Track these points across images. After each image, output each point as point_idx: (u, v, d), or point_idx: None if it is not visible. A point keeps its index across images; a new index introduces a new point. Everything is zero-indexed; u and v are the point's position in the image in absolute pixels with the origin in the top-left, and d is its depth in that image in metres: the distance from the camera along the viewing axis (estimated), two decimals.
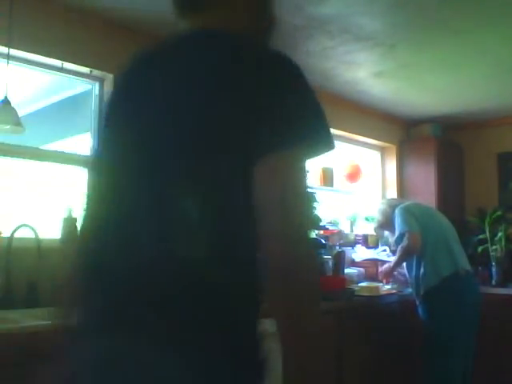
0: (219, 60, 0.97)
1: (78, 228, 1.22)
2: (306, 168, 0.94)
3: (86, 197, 1.13)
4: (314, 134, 0.93)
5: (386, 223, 3.53)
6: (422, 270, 3.19)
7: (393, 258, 3.67)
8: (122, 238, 0.97)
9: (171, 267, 0.90)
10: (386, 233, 3.73)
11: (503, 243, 4.35)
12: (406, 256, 3.30)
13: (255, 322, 0.96)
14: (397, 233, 3.32)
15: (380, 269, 3.79)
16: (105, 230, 1.02)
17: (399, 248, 3.32)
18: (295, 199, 0.88)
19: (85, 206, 1.13)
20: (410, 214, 3.28)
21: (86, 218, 1.11)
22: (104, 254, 0.99)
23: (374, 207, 3.87)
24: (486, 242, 4.41)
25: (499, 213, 4.44)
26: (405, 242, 3.24)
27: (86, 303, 1.02)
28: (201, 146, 0.93)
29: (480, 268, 4.28)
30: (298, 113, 0.92)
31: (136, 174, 0.99)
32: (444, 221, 3.37)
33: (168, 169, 0.96)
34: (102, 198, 1.07)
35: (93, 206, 1.11)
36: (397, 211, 3.34)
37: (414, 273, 3.25)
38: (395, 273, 3.65)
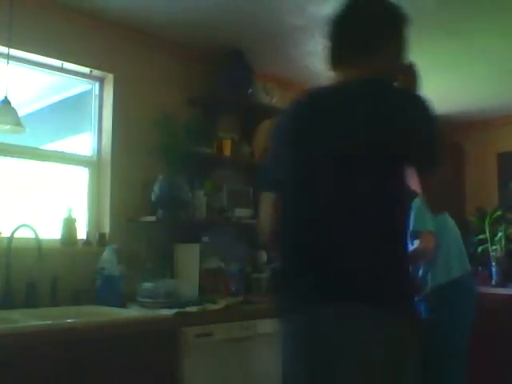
0: (386, 102, 1.43)
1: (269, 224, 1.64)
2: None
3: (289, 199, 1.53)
4: (444, 155, 1.45)
5: None
6: (431, 268, 3.15)
7: None
8: (330, 237, 1.40)
9: (372, 262, 1.35)
10: None
11: (503, 243, 4.35)
12: (416, 260, 3.14)
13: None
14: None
15: None
16: (314, 227, 1.43)
17: (409, 252, 3.22)
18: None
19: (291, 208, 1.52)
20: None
21: (294, 218, 1.51)
22: (316, 248, 1.41)
23: None
24: (486, 242, 4.41)
25: (499, 213, 4.44)
26: (418, 245, 3.05)
27: (300, 281, 1.42)
28: (390, 168, 1.41)
29: (480, 268, 4.28)
30: (441, 141, 1.48)
31: (330, 189, 1.42)
32: (451, 219, 3.32)
33: (357, 185, 1.39)
34: (305, 200, 1.47)
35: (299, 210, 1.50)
36: (413, 204, 3.00)
37: (421, 270, 3.19)
38: None
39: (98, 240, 2.85)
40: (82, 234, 2.85)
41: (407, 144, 1.40)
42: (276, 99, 3.60)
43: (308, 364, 1.38)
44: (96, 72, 3.02)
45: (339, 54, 1.60)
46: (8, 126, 2.44)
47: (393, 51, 1.60)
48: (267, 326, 2.66)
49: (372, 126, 1.38)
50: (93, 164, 3.02)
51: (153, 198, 2.95)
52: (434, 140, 1.45)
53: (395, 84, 1.59)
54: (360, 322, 1.31)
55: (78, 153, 3.04)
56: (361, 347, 1.31)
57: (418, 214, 2.97)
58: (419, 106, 1.47)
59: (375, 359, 1.31)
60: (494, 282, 4.27)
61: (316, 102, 1.55)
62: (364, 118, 1.40)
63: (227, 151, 3.33)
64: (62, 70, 2.91)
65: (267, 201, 1.65)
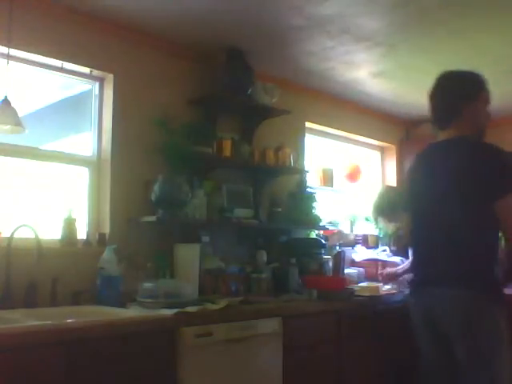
0: (474, 153, 2.26)
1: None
2: None
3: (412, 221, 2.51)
4: None
5: (388, 209, 3.46)
6: None
7: (394, 258, 3.64)
8: (439, 248, 2.31)
9: (464, 266, 2.25)
10: (381, 220, 3.63)
11: (503, 243, 4.34)
12: None
13: (498, 281, 2.29)
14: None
15: (383, 270, 3.75)
16: (429, 240, 2.37)
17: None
18: None
19: (413, 226, 2.50)
20: None
21: (417, 234, 2.48)
22: (433, 252, 2.35)
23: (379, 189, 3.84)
24: None
25: None
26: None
27: (424, 271, 2.41)
28: (472, 199, 2.21)
29: None
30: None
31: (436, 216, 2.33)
32: None
33: (455, 215, 2.25)
34: (422, 224, 2.43)
35: (419, 227, 2.46)
36: None
37: None
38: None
39: (98, 240, 2.85)
40: (82, 234, 2.85)
41: (487, 180, 2.16)
42: (276, 99, 3.59)
43: (424, 320, 2.40)
44: (96, 72, 3.02)
45: (438, 121, 2.40)
46: (8, 126, 2.44)
47: (480, 106, 2.37)
48: (267, 326, 2.66)
49: (464, 170, 2.21)
50: (93, 164, 3.02)
51: (153, 198, 2.95)
52: (507, 174, 2.18)
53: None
54: (451, 298, 2.22)
55: (77, 153, 3.04)
56: (451, 311, 2.23)
57: None
58: (495, 153, 2.21)
59: (460, 320, 2.21)
60: None
61: (429, 154, 2.44)
62: (458, 165, 2.23)
63: (227, 151, 3.33)
64: (61, 69, 2.91)
65: (406, 220, 2.60)
